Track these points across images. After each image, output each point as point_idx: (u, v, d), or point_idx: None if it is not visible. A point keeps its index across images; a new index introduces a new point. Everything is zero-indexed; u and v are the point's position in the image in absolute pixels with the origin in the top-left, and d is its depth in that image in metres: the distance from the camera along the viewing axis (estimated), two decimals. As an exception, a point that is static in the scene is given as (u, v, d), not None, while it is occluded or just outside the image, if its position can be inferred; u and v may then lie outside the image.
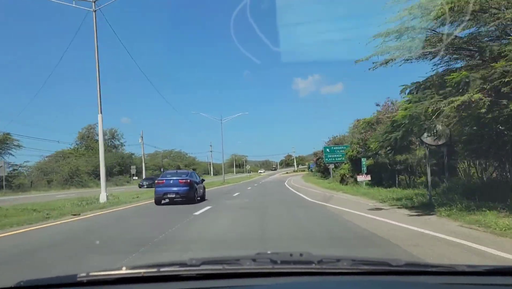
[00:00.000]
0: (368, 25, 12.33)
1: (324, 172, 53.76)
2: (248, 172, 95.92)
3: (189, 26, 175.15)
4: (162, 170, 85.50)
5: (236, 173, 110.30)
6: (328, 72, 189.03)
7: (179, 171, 18.28)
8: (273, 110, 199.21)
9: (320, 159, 51.34)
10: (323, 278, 1.60)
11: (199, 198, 15.64)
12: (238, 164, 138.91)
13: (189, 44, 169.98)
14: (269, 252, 1.94)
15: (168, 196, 14.83)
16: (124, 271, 1.59)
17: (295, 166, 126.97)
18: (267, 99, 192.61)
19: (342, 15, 12.15)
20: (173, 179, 15.13)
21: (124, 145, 79.51)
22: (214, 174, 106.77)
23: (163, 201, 14.82)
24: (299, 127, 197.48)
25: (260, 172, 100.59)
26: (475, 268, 1.71)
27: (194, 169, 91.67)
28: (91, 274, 1.53)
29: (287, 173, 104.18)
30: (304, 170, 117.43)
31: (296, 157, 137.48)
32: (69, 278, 1.54)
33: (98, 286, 1.53)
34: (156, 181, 15.78)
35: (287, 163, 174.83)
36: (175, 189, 14.85)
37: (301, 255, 1.75)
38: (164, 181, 15.14)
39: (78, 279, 1.50)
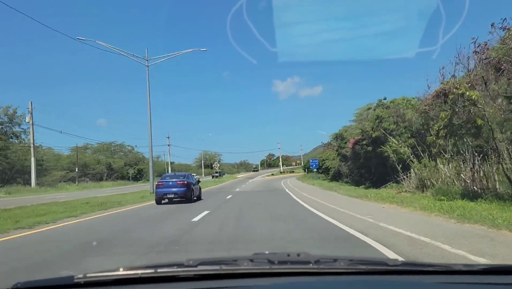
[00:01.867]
0: (366, 25, 11.84)
1: (352, 173, 27.22)
2: (217, 175, 66.80)
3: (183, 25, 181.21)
4: (77, 170, 55.38)
5: (205, 175, 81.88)
6: (312, 74, 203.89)
7: (177, 173, 20.88)
8: (256, 111, 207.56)
9: (361, 142, 20.31)
10: (321, 278, 1.64)
11: (195, 198, 18.20)
12: (210, 164, 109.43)
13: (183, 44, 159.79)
14: (266, 252, 1.92)
15: (168, 196, 16.98)
16: (121, 272, 1.60)
17: (281, 166, 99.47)
18: (250, 99, 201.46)
19: (339, 16, 11.79)
20: (172, 181, 17.12)
21: (27, 132, 49.52)
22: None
23: (163, 201, 17.16)
24: (282, 128, 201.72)
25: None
26: (472, 267, 1.78)
27: (140, 169, 66.62)
28: (88, 275, 1.55)
29: (272, 175, 75.83)
30: (293, 171, 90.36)
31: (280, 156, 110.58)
32: (66, 279, 1.55)
33: (96, 287, 1.55)
34: (156, 183, 18.31)
35: (268, 163, 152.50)
36: (174, 190, 16.80)
37: (298, 255, 1.79)
38: (164, 183, 17.24)
39: (75, 281, 1.52)
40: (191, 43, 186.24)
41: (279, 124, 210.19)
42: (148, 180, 71.27)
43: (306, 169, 67.43)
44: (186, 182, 17.16)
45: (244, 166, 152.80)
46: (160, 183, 17.39)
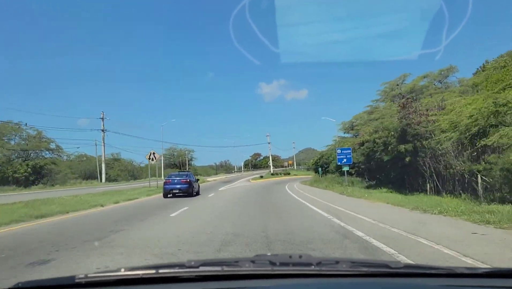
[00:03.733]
0: (369, 25, 12.34)
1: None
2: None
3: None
4: None
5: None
6: (306, 76, 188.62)
7: (180, 172, 24.67)
8: (243, 111, 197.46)
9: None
10: (322, 280, 1.61)
11: (195, 193, 22.58)
12: (179, 164, 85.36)
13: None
14: (268, 254, 2.09)
15: (173, 191, 21.06)
16: (122, 272, 1.57)
17: (271, 166, 75.49)
18: (236, 100, 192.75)
19: (342, 16, 12.21)
20: (176, 179, 21.62)
21: None
22: (110, 180, 46.71)
23: (168, 195, 21.14)
24: (269, 129, 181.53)
25: None
26: (474, 270, 1.74)
27: (40, 166, 48.33)
28: (89, 275, 1.52)
29: (261, 177, 50.78)
30: (288, 173, 66.15)
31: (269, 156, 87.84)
32: (67, 279, 1.52)
33: (96, 287, 1.51)
34: (164, 180, 23.10)
35: (254, 164, 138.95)
36: (178, 186, 21.14)
37: (300, 257, 1.75)
38: (170, 180, 21.74)
39: (77, 281, 1.48)
40: (191, 44, 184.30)
41: (265, 126, 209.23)
42: (53, 185, 42.24)
43: (320, 168, 41.56)
44: (188, 180, 21.53)
45: (225, 168, 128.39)
46: (167, 180, 21.84)
